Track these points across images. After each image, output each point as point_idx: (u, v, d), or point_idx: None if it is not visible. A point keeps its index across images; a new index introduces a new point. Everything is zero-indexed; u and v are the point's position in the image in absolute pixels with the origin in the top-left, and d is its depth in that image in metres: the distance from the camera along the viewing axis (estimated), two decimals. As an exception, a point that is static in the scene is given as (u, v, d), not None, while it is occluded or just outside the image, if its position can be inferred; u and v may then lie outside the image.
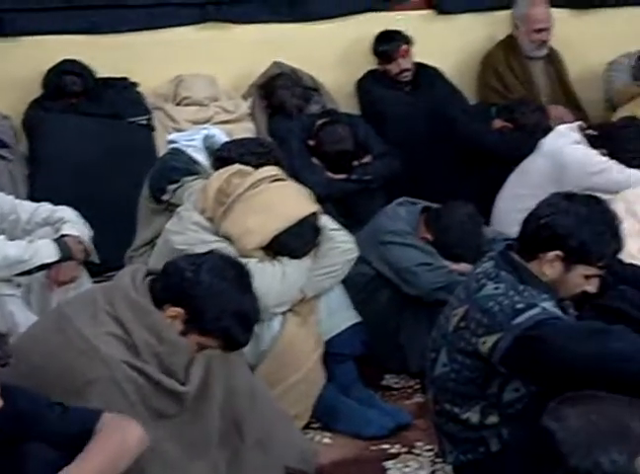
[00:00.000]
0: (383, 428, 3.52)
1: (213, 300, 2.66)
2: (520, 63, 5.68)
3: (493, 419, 2.82)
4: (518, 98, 5.37)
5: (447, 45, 5.69)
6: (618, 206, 3.43)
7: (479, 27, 5.79)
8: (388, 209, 4.01)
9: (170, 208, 3.94)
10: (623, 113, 4.70)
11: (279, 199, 3.60)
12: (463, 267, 3.78)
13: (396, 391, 3.90)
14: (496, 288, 2.78)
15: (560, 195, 2.89)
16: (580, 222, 2.77)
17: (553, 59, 5.81)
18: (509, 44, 5.71)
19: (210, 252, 2.88)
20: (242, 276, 2.79)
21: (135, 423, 2.36)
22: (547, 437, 1.71)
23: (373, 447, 3.48)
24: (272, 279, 3.47)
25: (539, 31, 5.62)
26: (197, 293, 2.67)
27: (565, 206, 2.81)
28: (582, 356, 2.64)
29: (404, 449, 3.46)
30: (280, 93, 5.16)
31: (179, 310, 2.68)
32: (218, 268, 2.73)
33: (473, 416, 2.84)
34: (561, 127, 4.17)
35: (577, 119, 5.47)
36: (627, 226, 3.33)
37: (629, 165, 3.91)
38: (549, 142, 4.09)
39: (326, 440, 3.53)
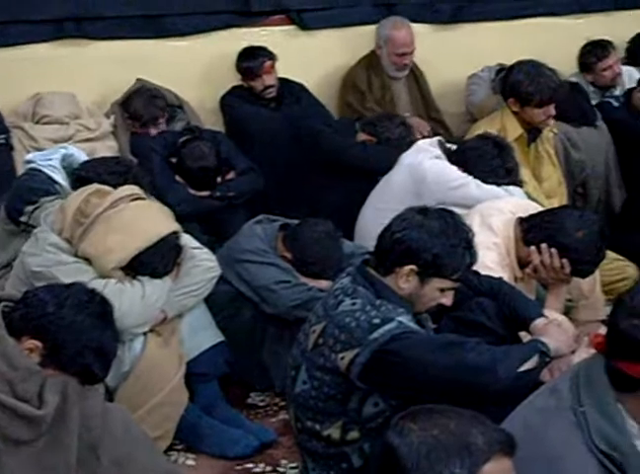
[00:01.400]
0: (248, 447, 3.51)
1: (74, 337, 2.58)
2: (382, 80, 5.71)
3: (354, 434, 2.84)
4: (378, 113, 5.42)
5: (310, 61, 5.70)
6: (474, 219, 3.48)
7: (341, 42, 5.81)
8: (245, 228, 3.99)
9: (28, 230, 3.83)
10: (481, 127, 4.76)
11: (138, 218, 3.54)
12: (323, 283, 3.79)
13: (262, 409, 3.88)
14: (353, 304, 2.80)
15: (414, 209, 2.93)
16: (433, 236, 2.81)
17: (415, 75, 5.88)
18: (370, 61, 5.73)
19: (74, 284, 2.80)
20: (105, 312, 2.73)
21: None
22: (390, 453, 1.72)
23: (238, 467, 3.46)
24: (132, 300, 3.42)
25: (402, 54, 5.67)
26: (58, 329, 2.58)
27: (418, 221, 2.85)
28: (438, 369, 2.69)
29: (269, 468, 3.45)
30: (136, 103, 5.08)
31: (37, 343, 2.59)
32: (82, 304, 2.65)
33: (334, 432, 2.85)
34: (421, 142, 4.21)
35: (438, 134, 5.63)
36: (483, 239, 3.40)
37: (484, 182, 3.97)
38: (409, 157, 4.12)
39: (190, 462, 3.50)
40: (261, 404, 3.92)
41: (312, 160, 5.08)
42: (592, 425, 2.09)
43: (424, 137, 5.51)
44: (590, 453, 2.08)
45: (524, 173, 4.63)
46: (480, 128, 4.66)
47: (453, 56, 6.04)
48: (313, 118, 5.33)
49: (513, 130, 4.58)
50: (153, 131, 5.06)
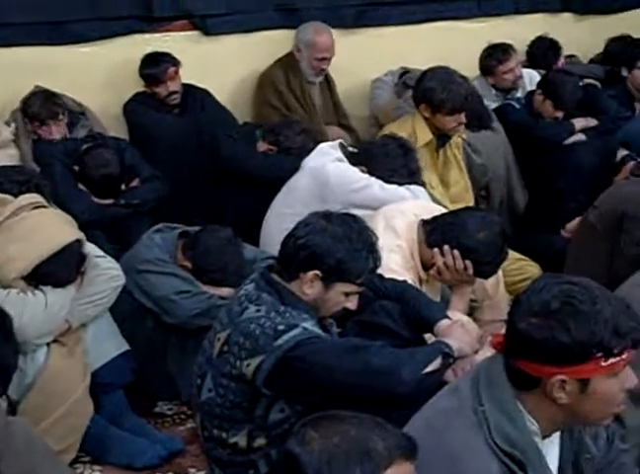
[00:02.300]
0: (155, 456, 3.48)
1: None
2: (300, 83, 5.72)
3: (260, 441, 2.84)
4: (292, 118, 5.43)
5: (215, 67, 5.67)
6: (378, 222, 3.50)
7: (245, 48, 5.78)
8: (144, 237, 3.95)
9: None
10: (391, 130, 4.78)
11: (40, 227, 3.50)
12: (224, 291, 3.78)
13: (169, 418, 3.86)
14: (257, 311, 2.79)
15: (317, 214, 2.94)
16: (337, 241, 2.82)
17: (328, 81, 5.90)
18: (288, 64, 5.71)
19: None
20: (3, 324, 2.68)
21: None
22: (292, 462, 1.72)
23: (146, 477, 3.44)
24: (34, 310, 3.37)
25: (321, 59, 5.68)
26: None
27: (322, 226, 2.86)
28: (343, 374, 2.70)
29: (177, 477, 3.44)
30: (33, 102, 4.97)
31: None
32: None
33: (241, 439, 2.84)
34: (323, 145, 4.21)
35: (350, 139, 5.66)
36: (387, 241, 3.43)
37: (387, 181, 3.99)
38: (312, 160, 4.13)
39: (96, 474, 3.47)
40: (168, 412, 3.89)
41: (216, 167, 5.06)
42: (492, 424, 2.12)
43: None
44: (490, 452, 2.10)
45: (432, 178, 4.69)
46: (391, 132, 4.69)
47: (358, 60, 6.06)
48: (217, 124, 5.30)
49: (423, 136, 4.61)
50: (55, 131, 4.93)
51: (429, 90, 4.56)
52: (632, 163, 4.71)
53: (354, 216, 2.96)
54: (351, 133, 5.86)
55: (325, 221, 2.88)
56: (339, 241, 2.82)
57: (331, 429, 1.71)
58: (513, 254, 4.63)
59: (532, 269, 4.65)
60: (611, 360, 2.07)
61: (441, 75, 4.60)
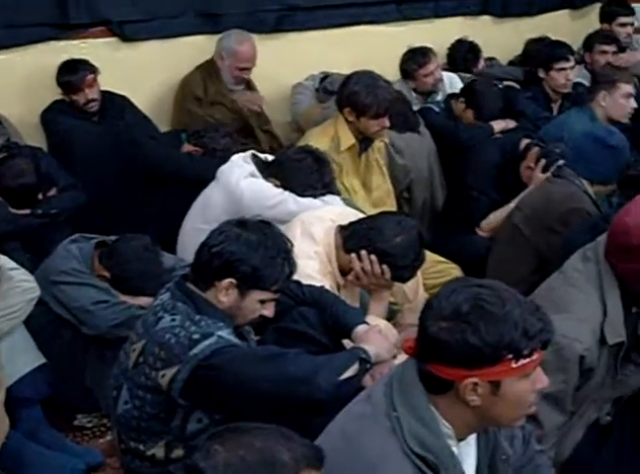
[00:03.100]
0: (74, 470, 3.43)
1: None
2: (220, 90, 5.68)
3: (178, 452, 2.81)
4: (214, 123, 5.40)
5: (134, 73, 5.60)
6: (296, 229, 3.49)
7: (165, 54, 5.73)
8: (60, 248, 3.88)
9: None
10: (314, 135, 4.77)
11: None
12: (143, 300, 3.73)
13: (89, 431, 3.81)
14: (172, 320, 2.77)
15: (231, 222, 2.92)
16: (251, 248, 2.81)
17: (249, 87, 5.86)
18: (207, 70, 5.66)
19: None
20: None
21: None
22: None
23: (65, 492, 3.37)
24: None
25: (242, 69, 5.65)
26: None
27: (236, 234, 2.84)
28: (260, 382, 2.69)
29: (96, 491, 3.39)
30: None
31: None
32: None
33: (158, 451, 2.81)
34: (235, 157, 4.15)
35: (272, 146, 5.64)
36: (304, 248, 3.41)
37: (301, 194, 3.97)
38: (225, 175, 4.07)
39: (14, 491, 3.39)
40: (88, 425, 3.84)
41: (137, 173, 5.00)
42: (406, 429, 2.11)
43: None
44: (405, 458, 2.10)
45: (354, 183, 4.69)
46: (313, 136, 4.68)
47: (279, 65, 6.05)
48: (137, 130, 5.24)
49: (346, 140, 4.61)
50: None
51: (353, 94, 4.56)
52: (537, 149, 4.74)
53: (268, 223, 2.95)
54: (273, 139, 5.84)
55: (239, 229, 2.86)
56: (253, 248, 2.81)
57: (235, 441, 1.69)
58: (434, 256, 4.66)
59: (454, 271, 4.65)
60: (522, 362, 2.08)
61: (366, 79, 4.60)
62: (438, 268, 4.61)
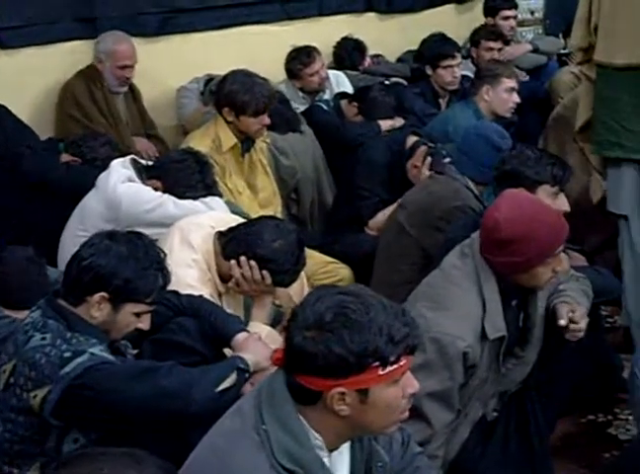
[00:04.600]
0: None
1: None
2: (104, 95, 5.57)
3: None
4: (97, 130, 5.29)
5: (12, 81, 5.44)
6: (174, 237, 3.42)
7: (44, 60, 5.57)
8: None
9: None
10: (195, 137, 4.71)
11: None
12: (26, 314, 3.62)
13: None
14: (43, 339, 2.69)
15: (101, 234, 2.85)
16: (121, 261, 2.75)
17: (133, 91, 5.77)
18: (90, 75, 5.55)
19: None
20: None
21: None
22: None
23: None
24: None
25: (124, 67, 5.55)
26: None
27: (106, 246, 2.77)
28: (133, 398, 2.64)
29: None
30: None
31: None
32: None
33: (33, 474, 2.73)
34: (114, 163, 4.07)
35: (159, 150, 5.55)
36: (183, 256, 3.36)
37: (182, 196, 3.90)
38: (103, 181, 3.99)
39: None
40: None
41: (17, 184, 4.87)
42: (274, 443, 2.07)
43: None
44: (274, 473, 2.05)
45: (239, 183, 4.64)
46: (194, 139, 4.65)
47: (163, 69, 5.96)
48: (16, 141, 5.10)
49: (227, 140, 4.57)
50: None
51: (231, 93, 4.53)
52: (424, 147, 4.76)
53: (139, 234, 2.88)
54: (159, 144, 5.75)
55: (109, 241, 2.79)
56: (124, 260, 2.75)
57: (82, 468, 1.62)
58: (323, 257, 4.66)
59: (343, 271, 4.66)
60: (389, 368, 2.06)
61: (242, 78, 4.58)
62: (327, 268, 4.61)
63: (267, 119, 4.58)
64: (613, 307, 4.65)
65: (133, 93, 5.77)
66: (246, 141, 4.67)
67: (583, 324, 3.16)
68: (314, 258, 4.56)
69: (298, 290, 3.80)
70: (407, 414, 2.20)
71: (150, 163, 4.13)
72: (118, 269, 2.73)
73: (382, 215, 4.80)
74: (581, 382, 3.54)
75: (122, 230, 2.94)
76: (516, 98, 5.54)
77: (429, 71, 6.23)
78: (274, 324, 3.49)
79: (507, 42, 6.88)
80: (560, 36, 7.48)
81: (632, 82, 3.92)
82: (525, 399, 3.33)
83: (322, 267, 4.57)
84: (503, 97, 5.51)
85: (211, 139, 4.58)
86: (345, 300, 2.07)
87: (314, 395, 2.09)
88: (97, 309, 2.74)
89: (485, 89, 5.51)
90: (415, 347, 2.11)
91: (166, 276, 2.84)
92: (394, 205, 4.65)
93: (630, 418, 3.73)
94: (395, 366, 2.06)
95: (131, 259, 2.76)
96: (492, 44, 6.63)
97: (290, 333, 2.10)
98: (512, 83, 5.56)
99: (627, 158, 4.05)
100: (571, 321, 3.14)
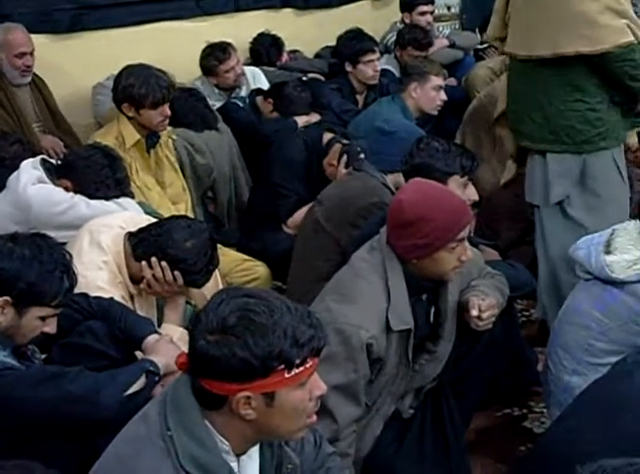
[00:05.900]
0: None
1: None
2: (5, 91, 5.45)
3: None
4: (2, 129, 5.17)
5: None
6: (84, 238, 3.35)
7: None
8: None
9: None
10: (98, 136, 4.62)
11: None
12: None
13: None
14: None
15: (3, 237, 2.78)
16: (25, 264, 2.68)
17: (39, 86, 5.65)
18: (-10, 70, 5.46)
19: None
20: None
21: None
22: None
23: None
24: None
25: (22, 55, 5.42)
26: None
27: (8, 249, 2.71)
28: (39, 405, 2.59)
29: None
30: None
31: None
32: None
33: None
34: (24, 164, 3.97)
35: (69, 146, 5.45)
36: (93, 258, 3.29)
37: (94, 196, 3.82)
38: (13, 182, 3.88)
39: None
40: None
41: None
42: (179, 449, 2.04)
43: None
44: (180, 480, 2.02)
45: (147, 179, 4.58)
46: (98, 137, 4.54)
47: (78, 66, 5.86)
48: None
49: (130, 137, 4.50)
50: None
51: (127, 87, 4.46)
52: (338, 145, 4.75)
53: (43, 236, 2.82)
54: (74, 141, 5.64)
55: (12, 244, 2.72)
56: (28, 263, 2.68)
57: None
58: (239, 255, 4.63)
59: (260, 269, 4.63)
60: (295, 371, 2.03)
61: (138, 71, 4.51)
62: (243, 266, 4.58)
63: (167, 111, 4.50)
64: (529, 301, 4.68)
65: (38, 86, 5.64)
66: (150, 137, 4.60)
67: (488, 313, 3.16)
68: (230, 256, 4.53)
69: (213, 290, 3.75)
70: (315, 418, 2.17)
71: (59, 162, 4.02)
72: (21, 272, 2.67)
73: (300, 213, 4.77)
74: (495, 378, 3.56)
75: (27, 232, 2.86)
76: (443, 96, 5.59)
77: (348, 68, 6.23)
78: (189, 325, 3.44)
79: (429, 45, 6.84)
80: (477, 31, 7.54)
81: (535, 74, 3.97)
82: (441, 395, 3.33)
83: (238, 265, 4.54)
84: (430, 94, 5.55)
85: (114, 136, 4.51)
86: (249, 303, 2.04)
87: (219, 399, 2.06)
88: (0, 314, 2.68)
89: (413, 86, 5.54)
90: (320, 349, 2.09)
91: (72, 278, 2.78)
92: (312, 203, 4.64)
93: (545, 411, 3.75)
94: (301, 369, 2.04)
95: (35, 261, 2.69)
96: (417, 54, 6.58)
97: (194, 337, 2.06)
98: (439, 81, 5.61)
99: (535, 148, 4.09)
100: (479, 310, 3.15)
